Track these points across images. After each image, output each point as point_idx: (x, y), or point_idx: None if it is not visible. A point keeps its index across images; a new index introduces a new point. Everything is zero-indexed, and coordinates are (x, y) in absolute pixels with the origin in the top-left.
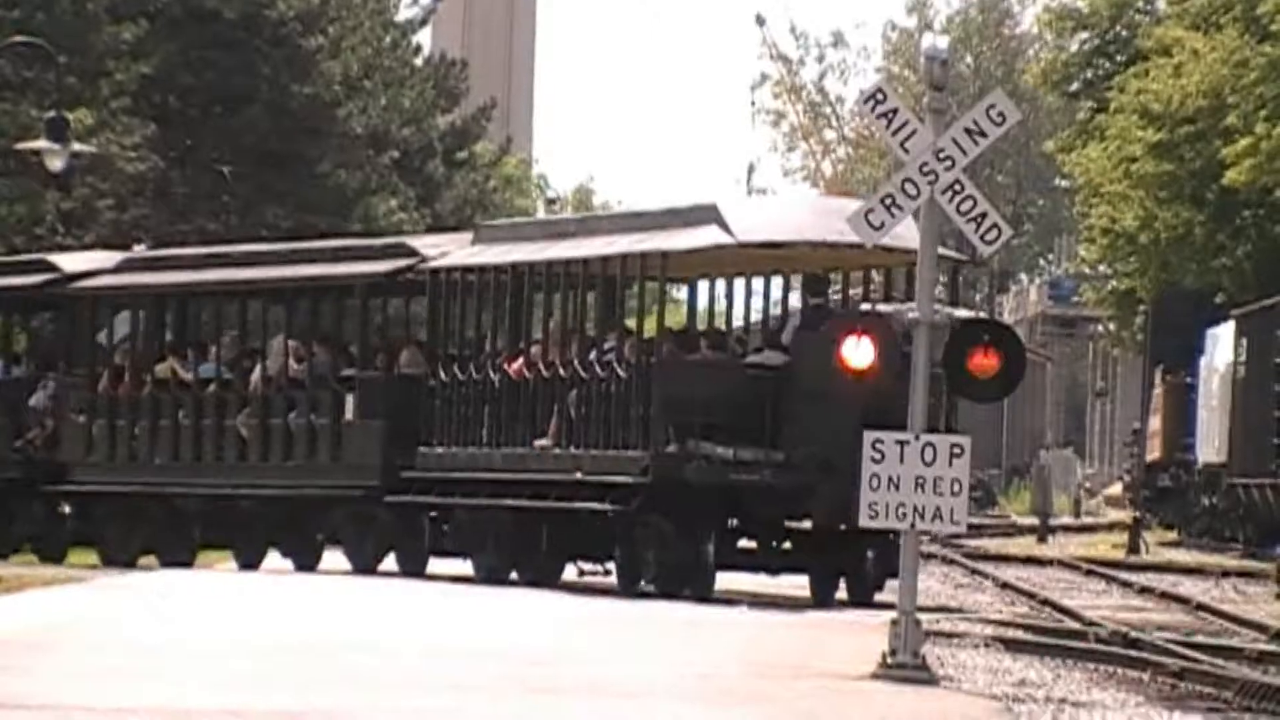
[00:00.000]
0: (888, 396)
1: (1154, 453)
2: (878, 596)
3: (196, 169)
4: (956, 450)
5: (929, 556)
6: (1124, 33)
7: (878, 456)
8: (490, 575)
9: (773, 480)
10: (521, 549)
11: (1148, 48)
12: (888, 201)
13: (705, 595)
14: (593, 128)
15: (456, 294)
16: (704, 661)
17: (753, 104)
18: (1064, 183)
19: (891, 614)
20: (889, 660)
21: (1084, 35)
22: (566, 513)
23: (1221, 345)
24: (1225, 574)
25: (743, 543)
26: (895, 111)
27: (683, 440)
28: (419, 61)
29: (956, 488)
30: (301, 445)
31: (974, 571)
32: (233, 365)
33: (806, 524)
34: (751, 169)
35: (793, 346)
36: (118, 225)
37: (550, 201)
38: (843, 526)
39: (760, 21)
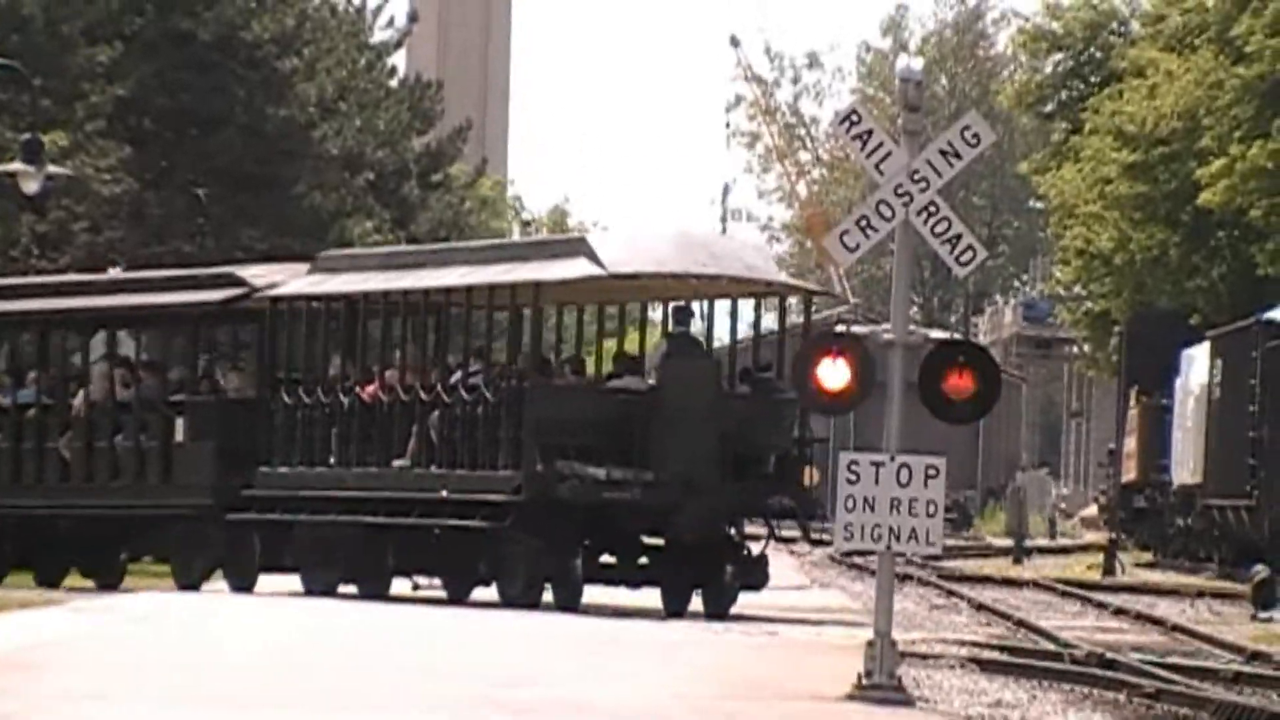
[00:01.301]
0: (747, 420)
1: (1129, 474)
2: (733, 609)
3: (172, 191)
4: (932, 472)
5: (905, 578)
6: (1098, 54)
7: (853, 478)
8: (326, 590)
9: (641, 499)
10: (364, 565)
11: (1122, 69)
12: (863, 223)
13: (572, 607)
14: (568, 149)
15: (302, 321)
16: (678, 681)
17: (727, 125)
18: (1039, 204)
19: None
20: (864, 681)
21: (1058, 56)
22: (409, 529)
23: (1196, 366)
24: (1200, 595)
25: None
26: (870, 133)
27: (550, 460)
28: (394, 83)
29: (932, 509)
30: (129, 466)
31: (950, 593)
32: (52, 391)
33: (660, 540)
34: (726, 190)
35: (660, 372)
36: (93, 247)
37: (526, 223)
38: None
39: (735, 43)
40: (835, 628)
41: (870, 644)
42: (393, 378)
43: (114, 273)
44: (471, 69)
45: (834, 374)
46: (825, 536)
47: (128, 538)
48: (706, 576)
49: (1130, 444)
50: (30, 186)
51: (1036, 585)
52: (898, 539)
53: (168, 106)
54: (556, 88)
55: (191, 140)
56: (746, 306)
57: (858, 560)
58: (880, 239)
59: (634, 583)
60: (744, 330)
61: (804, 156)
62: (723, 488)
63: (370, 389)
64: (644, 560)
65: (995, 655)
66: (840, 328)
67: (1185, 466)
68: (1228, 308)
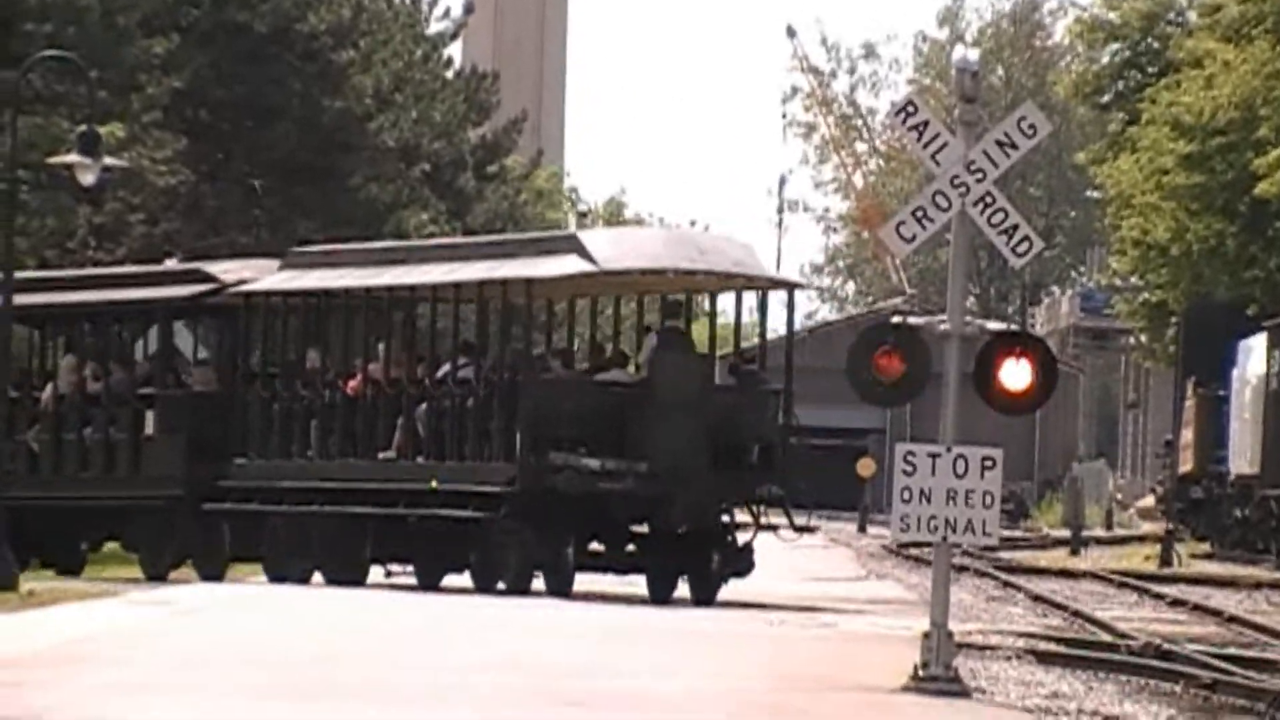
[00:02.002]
0: (734, 410)
1: (1186, 465)
2: (736, 596)
3: (228, 183)
4: (988, 463)
5: (962, 569)
6: (1155, 44)
7: (909, 469)
8: (300, 580)
9: (635, 488)
10: (342, 554)
11: (1179, 59)
12: (919, 214)
13: (565, 593)
14: (624, 140)
15: (277, 316)
16: (734, 674)
17: (784, 116)
18: (1095, 194)
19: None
20: (921, 673)
21: (1115, 47)
22: (389, 519)
23: (1254, 357)
24: (1258, 586)
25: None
26: (926, 124)
27: (544, 452)
28: (450, 75)
29: (988, 500)
30: (98, 458)
31: (1006, 584)
32: (20, 385)
33: (646, 528)
34: (783, 181)
35: (651, 365)
36: (149, 239)
37: (582, 214)
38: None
39: (791, 33)
40: (892, 619)
41: (927, 635)
42: (376, 371)
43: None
44: (527, 60)
45: (891, 366)
46: (813, 523)
47: (96, 528)
48: (692, 564)
49: (1187, 435)
50: (87, 178)
51: (1093, 576)
52: (954, 530)
53: (224, 98)
54: (612, 78)
55: (247, 132)
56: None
57: (914, 551)
58: (937, 230)
59: (621, 570)
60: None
61: (860, 147)
62: (713, 477)
63: (354, 383)
64: (631, 548)
65: (1052, 646)
66: (897, 319)
67: (1243, 457)
68: None
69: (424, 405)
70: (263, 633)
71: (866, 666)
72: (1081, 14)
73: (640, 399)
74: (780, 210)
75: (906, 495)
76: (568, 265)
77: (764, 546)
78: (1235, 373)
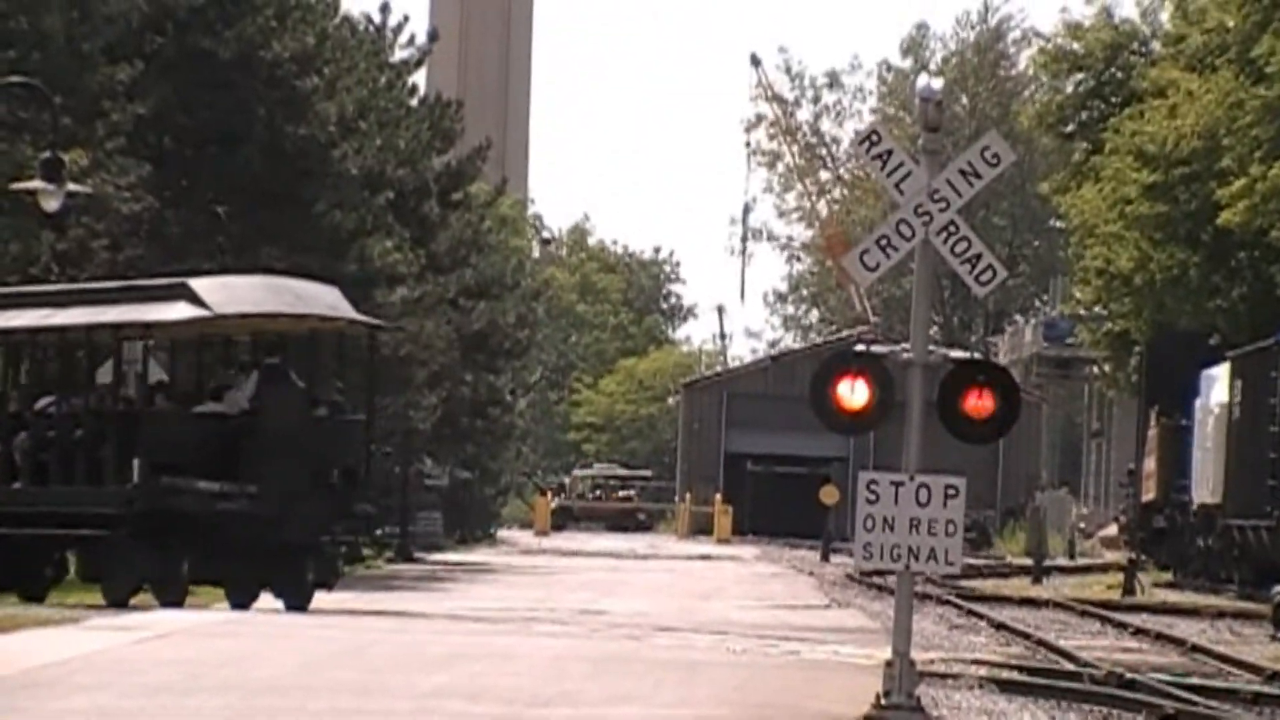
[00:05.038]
0: (328, 437)
1: (1149, 494)
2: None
3: (191, 209)
4: (951, 491)
5: (924, 597)
6: (1119, 74)
7: (872, 497)
8: None
9: (248, 509)
10: None
11: (1143, 89)
12: (883, 242)
13: (179, 604)
14: (588, 168)
15: None
16: (696, 702)
17: (748, 144)
18: (1059, 224)
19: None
20: (883, 701)
21: (1079, 76)
22: None
23: (1217, 386)
24: (1220, 615)
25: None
26: (890, 153)
27: (159, 476)
28: (414, 102)
29: (951, 528)
30: None
31: (969, 612)
32: None
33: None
34: (747, 209)
35: (256, 398)
36: (113, 265)
37: (545, 242)
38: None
39: (755, 62)
40: (854, 647)
41: (889, 663)
42: None
43: None
44: (492, 88)
45: (853, 394)
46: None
47: None
48: (285, 576)
49: (1150, 464)
50: (51, 204)
51: (1056, 605)
52: (917, 558)
53: (188, 125)
54: (577, 106)
55: (211, 158)
56: None
57: (877, 580)
58: (900, 258)
59: (210, 581)
60: None
61: (824, 176)
62: (316, 497)
63: None
64: (222, 561)
65: (1014, 675)
66: (860, 347)
67: (1205, 486)
68: (1248, 328)
69: (22, 435)
70: (230, 660)
71: (829, 695)
72: (1045, 44)
73: (249, 429)
74: (744, 238)
75: (869, 523)
76: (182, 310)
77: (727, 576)
78: (1198, 402)
